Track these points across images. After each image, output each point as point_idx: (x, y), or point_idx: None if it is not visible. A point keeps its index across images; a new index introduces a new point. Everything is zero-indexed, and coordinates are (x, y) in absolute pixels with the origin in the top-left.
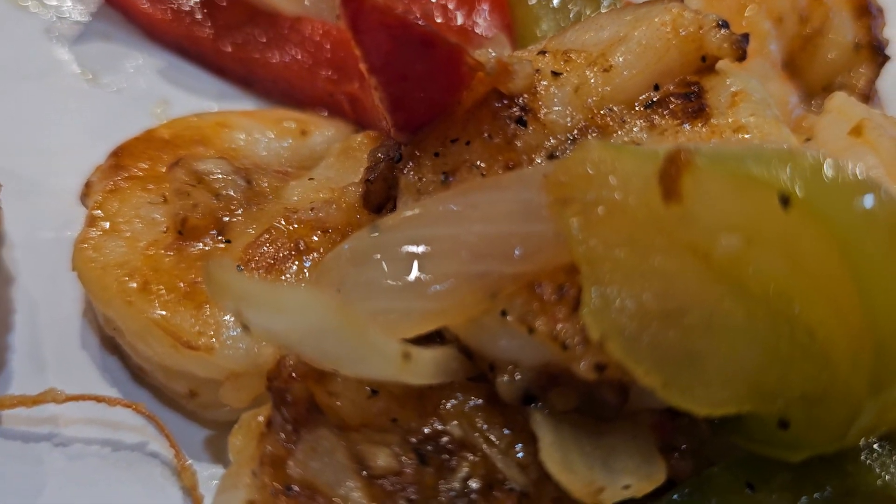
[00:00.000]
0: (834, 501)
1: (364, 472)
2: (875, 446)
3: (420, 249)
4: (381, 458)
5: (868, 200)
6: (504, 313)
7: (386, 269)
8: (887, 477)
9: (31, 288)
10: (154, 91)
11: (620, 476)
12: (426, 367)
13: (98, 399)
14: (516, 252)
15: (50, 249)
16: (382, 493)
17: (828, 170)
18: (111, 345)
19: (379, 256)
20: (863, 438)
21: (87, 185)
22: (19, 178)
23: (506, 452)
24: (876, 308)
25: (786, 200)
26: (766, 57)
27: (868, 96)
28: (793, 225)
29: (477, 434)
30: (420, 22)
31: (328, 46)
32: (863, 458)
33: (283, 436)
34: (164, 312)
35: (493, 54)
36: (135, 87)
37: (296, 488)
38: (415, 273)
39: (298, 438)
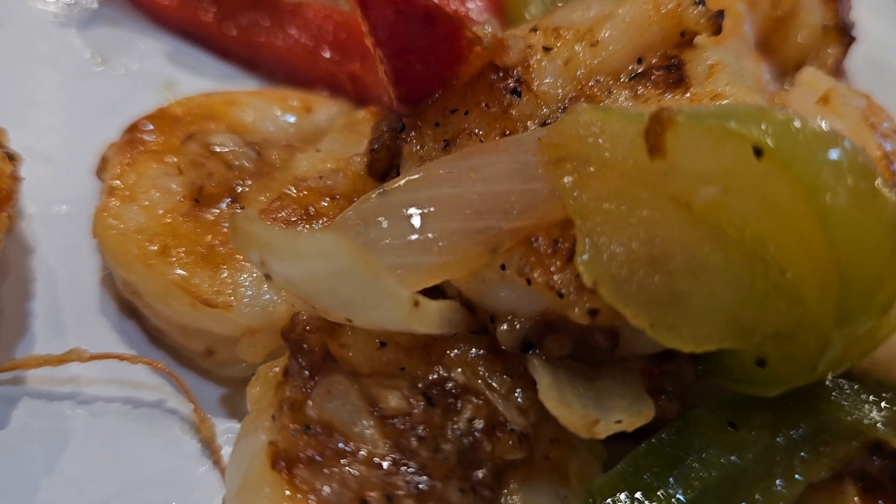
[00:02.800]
0: (808, 437)
1: (377, 413)
2: (845, 387)
3: (424, 208)
4: (393, 400)
5: (831, 150)
6: (503, 266)
7: (392, 226)
8: (856, 414)
9: (50, 258)
10: (161, 73)
11: (613, 412)
12: (433, 316)
13: (120, 357)
14: (514, 209)
15: (66, 222)
16: (394, 432)
17: (796, 123)
18: (129, 309)
19: (385, 216)
20: (831, 373)
21: (104, 160)
22: (35, 154)
23: (506, 397)
24: (839, 246)
25: (759, 151)
26: (740, 37)
27: (836, 75)
28: (765, 173)
29: (479, 381)
30: None
31: (329, 29)
32: (833, 397)
33: (300, 382)
34: (183, 273)
35: (490, 29)
36: (143, 70)
37: (315, 427)
38: (419, 230)
39: (315, 383)
